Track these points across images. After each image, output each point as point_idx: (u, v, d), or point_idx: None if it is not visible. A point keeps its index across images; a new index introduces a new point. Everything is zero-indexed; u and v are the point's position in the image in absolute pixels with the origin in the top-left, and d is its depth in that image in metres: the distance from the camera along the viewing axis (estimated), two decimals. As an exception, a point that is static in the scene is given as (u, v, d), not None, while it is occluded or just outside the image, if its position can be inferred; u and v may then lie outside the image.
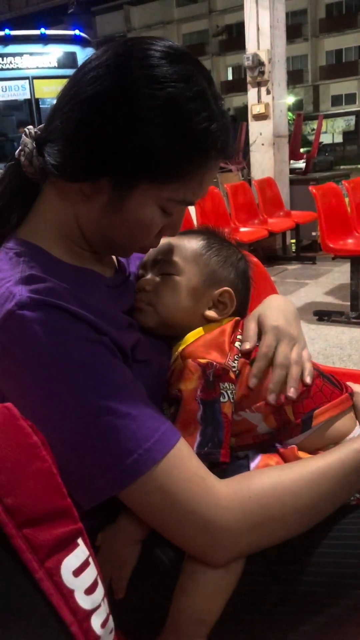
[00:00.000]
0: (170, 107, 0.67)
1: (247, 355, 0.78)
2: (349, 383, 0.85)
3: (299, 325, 0.85)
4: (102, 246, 0.79)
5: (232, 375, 0.75)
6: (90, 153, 0.68)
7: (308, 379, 0.77)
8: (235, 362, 0.77)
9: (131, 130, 0.66)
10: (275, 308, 0.84)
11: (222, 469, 0.71)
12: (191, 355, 0.77)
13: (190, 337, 0.82)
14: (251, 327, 0.81)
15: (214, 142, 0.71)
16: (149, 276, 0.85)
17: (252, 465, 0.74)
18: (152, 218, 0.74)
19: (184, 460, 0.66)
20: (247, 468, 0.74)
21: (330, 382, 0.81)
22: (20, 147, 0.75)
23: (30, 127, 0.76)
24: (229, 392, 0.74)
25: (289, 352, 0.78)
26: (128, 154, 0.68)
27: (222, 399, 0.73)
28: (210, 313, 0.84)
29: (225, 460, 0.71)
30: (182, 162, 0.69)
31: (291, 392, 0.75)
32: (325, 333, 3.51)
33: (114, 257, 0.88)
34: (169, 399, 0.77)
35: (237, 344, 0.80)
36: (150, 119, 0.66)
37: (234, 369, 0.76)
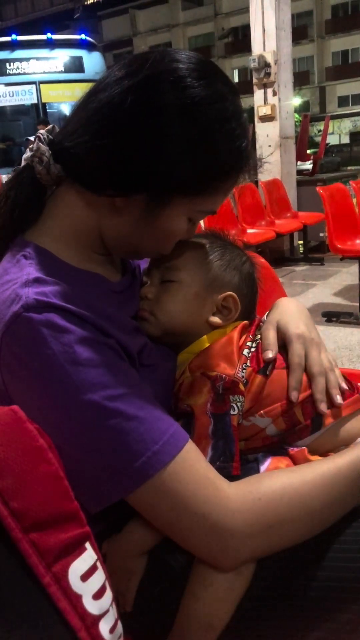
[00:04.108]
0: (209, 130, 0.69)
1: (256, 362, 0.77)
2: None
3: (316, 329, 0.84)
4: (121, 251, 0.80)
5: (241, 387, 0.75)
6: (127, 174, 0.69)
7: (344, 384, 0.79)
8: (244, 371, 0.76)
9: (171, 153, 0.67)
10: (292, 314, 0.83)
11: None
12: (199, 367, 0.77)
13: (196, 346, 0.81)
14: (271, 335, 0.80)
15: (247, 158, 0.74)
16: (151, 283, 0.84)
17: (262, 468, 0.74)
18: (181, 228, 0.76)
19: (192, 462, 0.66)
20: (257, 471, 0.73)
21: None
22: (32, 153, 0.74)
23: (42, 131, 0.76)
24: (238, 404, 0.74)
25: (321, 360, 0.78)
26: (166, 176, 0.69)
27: (232, 412, 0.73)
28: (214, 319, 0.83)
29: (237, 473, 0.70)
30: (218, 178, 0.72)
31: (338, 399, 0.76)
32: (334, 334, 3.49)
33: (121, 260, 0.87)
34: (176, 413, 0.76)
35: (245, 351, 0.79)
36: (190, 142, 0.68)
37: (242, 380, 0.75)
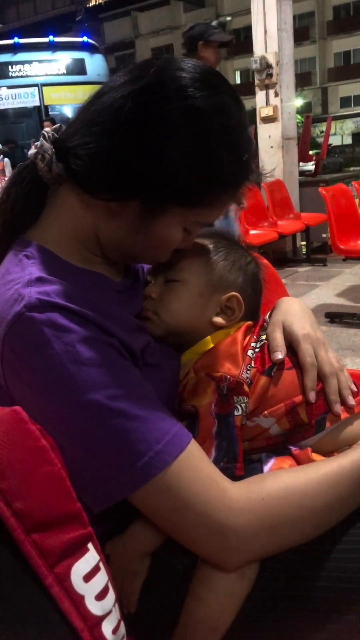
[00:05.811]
0: (209, 141, 0.68)
1: (261, 363, 0.77)
2: None
3: (320, 329, 0.84)
4: (116, 255, 0.79)
5: (246, 388, 0.75)
6: (123, 178, 0.68)
7: (354, 386, 0.78)
8: (248, 372, 0.76)
9: (167, 161, 0.67)
10: (296, 314, 0.83)
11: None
12: (204, 368, 0.77)
13: (200, 347, 0.81)
14: (278, 336, 0.80)
15: (247, 173, 0.73)
16: (155, 283, 0.84)
17: (266, 468, 0.73)
18: (175, 237, 0.75)
19: (195, 462, 0.66)
20: (261, 471, 0.73)
21: None
22: (36, 150, 0.74)
23: (48, 129, 0.76)
24: (242, 405, 0.74)
25: (330, 359, 0.78)
26: (162, 183, 0.68)
27: (235, 413, 0.73)
28: (218, 319, 0.83)
29: (241, 474, 0.70)
30: (215, 192, 0.71)
31: (350, 399, 0.76)
32: (337, 335, 3.48)
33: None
34: (180, 413, 0.76)
35: (249, 352, 0.78)
36: (188, 151, 0.67)
37: (247, 380, 0.75)
